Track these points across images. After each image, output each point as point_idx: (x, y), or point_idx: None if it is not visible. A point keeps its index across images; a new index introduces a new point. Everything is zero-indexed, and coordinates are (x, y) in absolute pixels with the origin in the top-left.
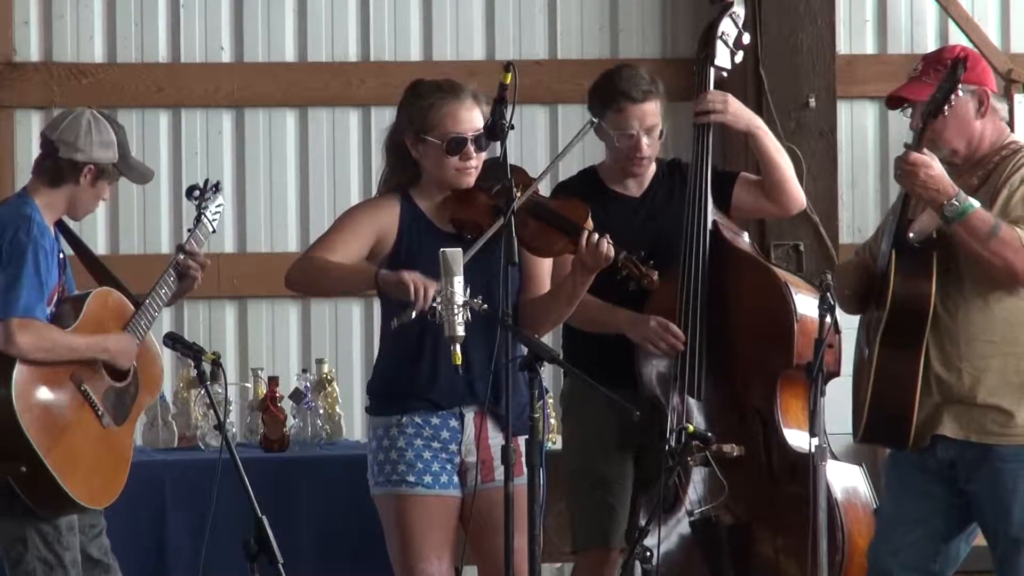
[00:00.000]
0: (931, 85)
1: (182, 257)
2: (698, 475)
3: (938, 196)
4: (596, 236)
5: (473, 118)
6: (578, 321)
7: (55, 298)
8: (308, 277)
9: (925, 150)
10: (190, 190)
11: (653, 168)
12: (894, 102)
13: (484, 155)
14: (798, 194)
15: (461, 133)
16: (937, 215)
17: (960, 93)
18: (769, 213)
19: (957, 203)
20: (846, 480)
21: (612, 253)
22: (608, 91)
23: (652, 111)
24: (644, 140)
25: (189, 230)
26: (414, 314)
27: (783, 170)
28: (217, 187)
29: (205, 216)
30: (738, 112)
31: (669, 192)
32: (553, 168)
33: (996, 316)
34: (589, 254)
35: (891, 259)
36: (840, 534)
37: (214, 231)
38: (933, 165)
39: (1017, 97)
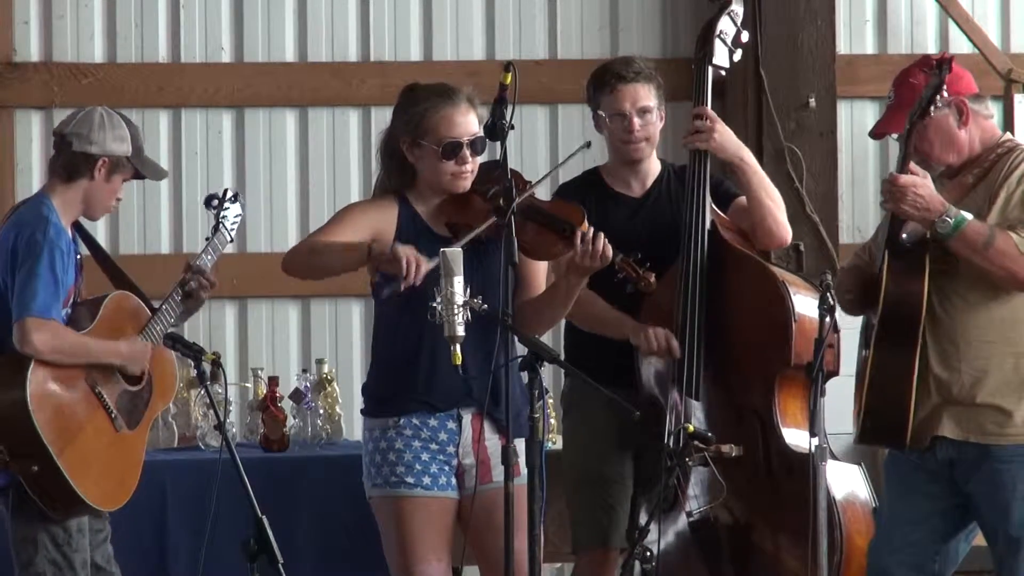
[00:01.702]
0: (904, 113)
1: (188, 276)
2: (697, 475)
3: (928, 215)
4: (592, 236)
5: (468, 122)
6: (583, 321)
7: (71, 300)
8: (303, 258)
9: (914, 167)
10: (209, 199)
11: (657, 169)
12: (879, 136)
13: (480, 159)
14: (780, 231)
15: (456, 138)
16: (930, 232)
17: (938, 105)
18: (754, 243)
19: (948, 219)
20: (845, 480)
21: (608, 253)
22: (601, 75)
23: (644, 93)
24: (637, 120)
25: (207, 239)
26: (403, 287)
27: (766, 207)
28: (236, 197)
29: (223, 225)
30: (725, 142)
31: (671, 195)
32: (551, 175)
33: (995, 316)
34: (585, 254)
35: (884, 260)
36: (838, 534)
37: (231, 240)
38: (920, 184)
39: (1017, 97)
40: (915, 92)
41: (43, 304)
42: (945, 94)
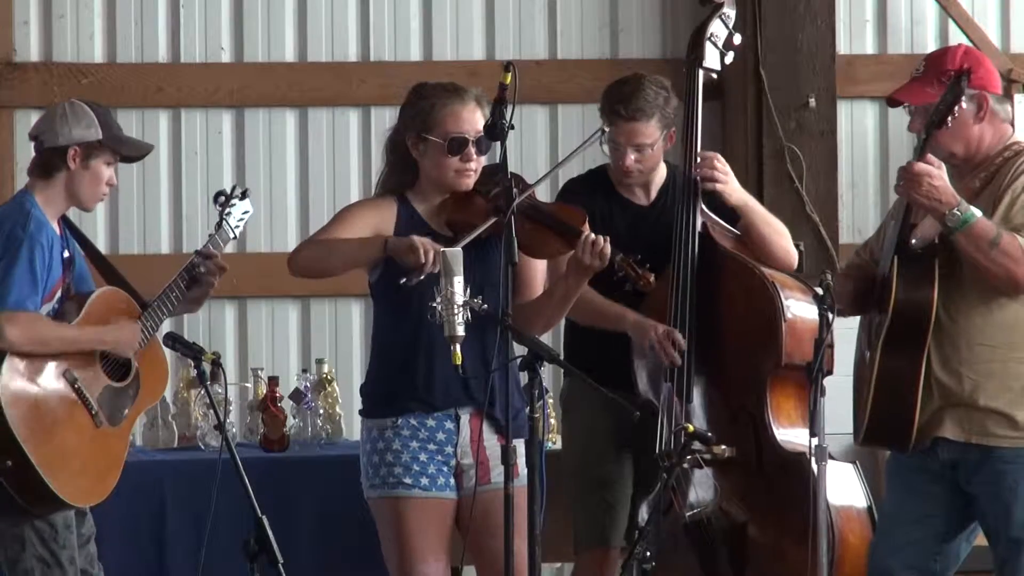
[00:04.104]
0: (930, 90)
1: (197, 260)
2: (693, 477)
3: (940, 206)
4: (593, 235)
5: (475, 119)
6: (582, 316)
7: (58, 295)
8: (316, 256)
9: (931, 157)
10: (217, 195)
11: (663, 175)
12: (893, 102)
13: (484, 159)
14: (788, 258)
15: (463, 133)
16: (939, 224)
17: (964, 103)
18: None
19: (959, 213)
20: (839, 479)
21: (608, 252)
22: (607, 100)
23: (641, 131)
24: (630, 156)
25: (210, 234)
26: (422, 276)
27: (774, 242)
28: (244, 194)
29: (227, 222)
30: (735, 186)
31: (675, 200)
32: (553, 173)
33: (997, 321)
34: (585, 253)
35: (893, 264)
36: (832, 533)
37: (235, 237)
38: (936, 175)
39: (1017, 97)
40: (942, 75)
41: (17, 298)
42: (963, 105)
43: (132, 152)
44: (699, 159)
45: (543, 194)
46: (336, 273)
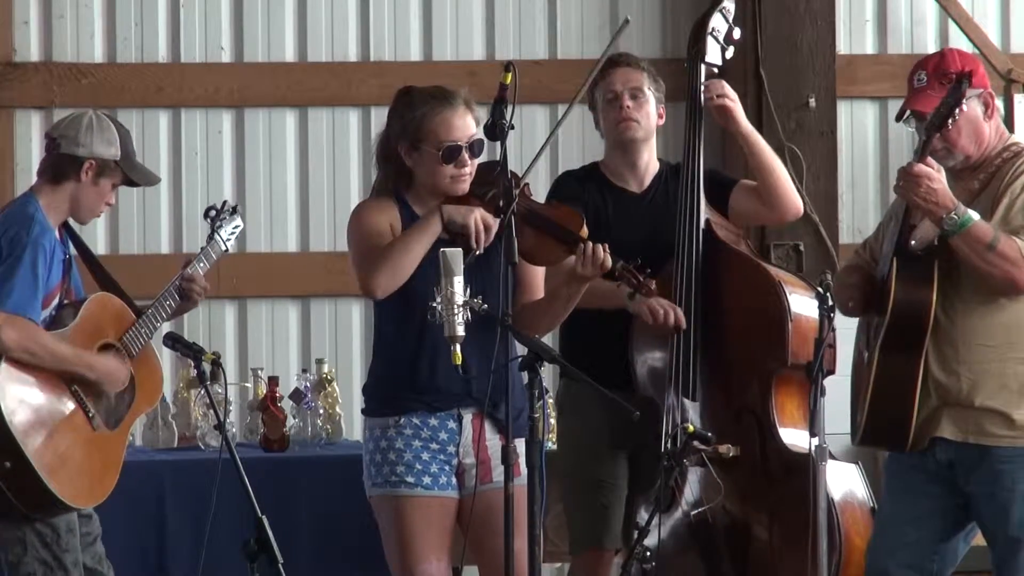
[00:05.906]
0: (937, 97)
1: (183, 284)
2: (694, 476)
3: (937, 209)
4: (592, 246)
5: (466, 125)
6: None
7: (56, 300)
8: (391, 271)
9: (930, 160)
10: (208, 210)
11: (656, 167)
12: (901, 113)
13: (477, 161)
14: (795, 199)
15: (455, 141)
16: (936, 227)
17: (964, 105)
18: (767, 220)
19: (956, 216)
20: (843, 479)
21: (609, 263)
22: (600, 68)
23: (635, 76)
24: (627, 100)
25: (202, 247)
26: (478, 252)
27: (779, 173)
28: (235, 210)
29: (218, 235)
30: (742, 111)
31: (669, 193)
32: (546, 166)
33: (995, 320)
34: (586, 265)
35: (892, 265)
36: (837, 534)
37: (227, 251)
38: (935, 177)
39: (1017, 97)
40: (943, 78)
41: (18, 301)
42: (964, 108)
43: (141, 180)
44: (705, 87)
45: (542, 182)
46: (408, 272)
